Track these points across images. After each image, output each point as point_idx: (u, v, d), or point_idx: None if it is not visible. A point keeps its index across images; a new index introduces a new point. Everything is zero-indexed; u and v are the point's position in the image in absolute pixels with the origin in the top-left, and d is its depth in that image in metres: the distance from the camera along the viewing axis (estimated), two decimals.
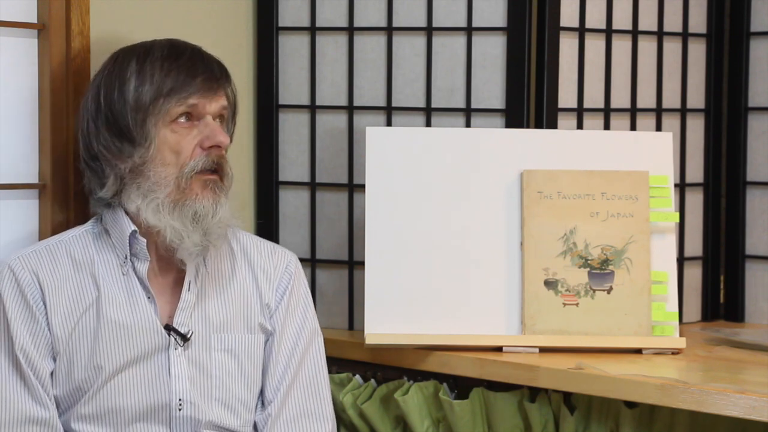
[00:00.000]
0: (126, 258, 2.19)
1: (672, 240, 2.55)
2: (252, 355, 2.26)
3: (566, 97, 2.68)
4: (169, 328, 2.19)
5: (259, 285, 2.29)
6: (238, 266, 2.28)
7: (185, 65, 2.17)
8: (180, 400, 2.17)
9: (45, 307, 2.17)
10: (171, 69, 2.16)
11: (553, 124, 2.64)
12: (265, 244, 2.34)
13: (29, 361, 2.15)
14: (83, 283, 2.19)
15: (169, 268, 2.21)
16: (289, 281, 2.31)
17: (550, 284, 2.49)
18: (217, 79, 2.19)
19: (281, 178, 2.78)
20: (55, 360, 2.17)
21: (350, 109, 2.72)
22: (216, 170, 2.17)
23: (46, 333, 2.16)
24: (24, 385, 2.14)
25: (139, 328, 2.17)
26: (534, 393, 2.43)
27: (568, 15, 2.67)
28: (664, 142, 2.58)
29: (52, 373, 2.16)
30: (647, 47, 2.80)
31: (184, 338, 2.19)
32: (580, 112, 2.70)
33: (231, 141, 2.24)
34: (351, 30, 2.72)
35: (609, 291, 2.49)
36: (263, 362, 2.28)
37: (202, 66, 2.18)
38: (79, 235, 2.25)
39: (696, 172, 2.89)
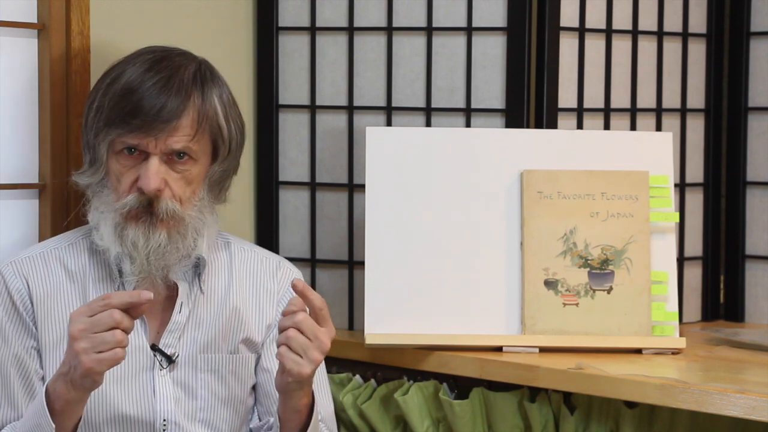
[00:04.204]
0: (117, 276, 2.17)
1: (672, 240, 2.55)
2: (240, 375, 2.23)
3: (566, 97, 2.68)
4: (155, 348, 2.17)
5: (261, 304, 2.27)
6: (236, 284, 2.26)
7: (136, 100, 2.10)
8: (164, 420, 2.16)
9: (34, 313, 2.15)
10: (120, 102, 2.11)
11: (553, 124, 2.64)
12: (271, 261, 2.31)
13: (22, 365, 2.14)
14: (75, 295, 2.18)
15: (160, 286, 2.18)
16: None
17: (550, 284, 2.49)
18: (169, 120, 2.10)
19: (281, 178, 2.78)
20: (42, 366, 2.16)
21: (350, 109, 2.72)
22: (151, 209, 2.13)
23: (36, 338, 2.16)
24: (5, 396, 2.14)
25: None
26: (534, 393, 2.43)
27: (568, 15, 2.67)
28: (664, 142, 2.58)
29: (42, 378, 2.16)
30: (647, 47, 2.80)
31: (170, 360, 2.17)
32: (580, 112, 2.70)
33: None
34: (351, 30, 2.72)
35: (609, 291, 2.49)
36: (263, 382, 2.26)
37: (155, 103, 2.10)
38: (73, 244, 2.22)
39: (696, 172, 2.89)
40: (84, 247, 2.21)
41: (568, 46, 2.67)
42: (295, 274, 2.33)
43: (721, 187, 2.91)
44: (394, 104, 2.70)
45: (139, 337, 2.16)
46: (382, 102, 2.71)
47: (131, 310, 1.91)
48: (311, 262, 2.76)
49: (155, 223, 2.13)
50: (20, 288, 2.16)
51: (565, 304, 2.48)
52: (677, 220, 2.55)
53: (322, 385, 2.26)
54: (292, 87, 2.77)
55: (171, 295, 2.20)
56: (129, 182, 2.13)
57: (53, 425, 1.96)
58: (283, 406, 2.09)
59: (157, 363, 2.16)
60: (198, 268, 2.21)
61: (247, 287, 2.26)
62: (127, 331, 1.91)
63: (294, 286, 1.99)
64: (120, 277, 2.17)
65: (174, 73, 2.14)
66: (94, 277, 2.19)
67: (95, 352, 1.90)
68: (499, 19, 2.64)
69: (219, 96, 2.18)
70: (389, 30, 2.70)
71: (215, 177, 2.20)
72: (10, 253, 2.33)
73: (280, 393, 2.07)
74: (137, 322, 2.16)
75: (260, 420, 2.26)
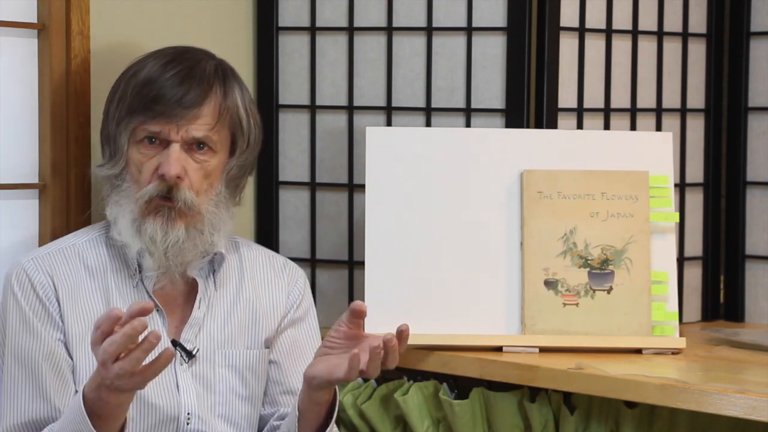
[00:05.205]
0: (136, 271, 2.19)
1: (672, 240, 2.54)
2: (256, 370, 2.25)
3: (566, 97, 2.68)
4: (175, 343, 2.19)
5: (273, 299, 2.30)
6: (248, 281, 2.29)
7: (158, 88, 2.14)
8: (188, 414, 2.17)
9: (60, 307, 2.16)
10: (143, 90, 2.15)
11: (553, 124, 2.64)
12: (278, 258, 2.36)
13: (53, 357, 2.14)
14: (97, 291, 2.19)
15: (179, 282, 2.21)
16: (299, 294, 2.33)
17: (550, 284, 2.49)
18: (191, 106, 2.14)
19: (281, 178, 2.78)
20: (72, 358, 2.17)
21: (350, 109, 2.72)
22: (170, 197, 2.15)
23: (63, 331, 2.16)
24: (37, 391, 2.13)
25: None
26: (534, 393, 2.43)
27: (568, 15, 2.67)
28: (664, 142, 2.58)
29: (73, 369, 2.16)
30: (647, 47, 2.80)
31: (190, 355, 2.19)
32: (580, 112, 2.70)
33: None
34: (351, 30, 2.72)
35: (609, 291, 2.49)
36: (271, 372, 2.28)
37: (177, 91, 2.14)
38: (91, 240, 2.24)
39: (696, 172, 2.89)
40: (102, 243, 2.23)
41: (568, 46, 2.67)
42: (301, 273, 2.37)
43: (721, 187, 2.91)
44: (394, 104, 2.70)
45: (159, 333, 2.17)
46: (382, 102, 2.71)
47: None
48: (311, 262, 2.76)
49: (174, 217, 2.15)
50: (44, 282, 2.17)
51: (565, 304, 2.48)
52: (677, 220, 2.55)
53: None
54: (292, 87, 2.77)
55: (188, 290, 2.22)
56: (150, 171, 2.16)
57: (94, 431, 1.95)
58: (306, 397, 2.10)
59: (179, 357, 2.17)
60: (213, 264, 2.23)
61: (259, 283, 2.30)
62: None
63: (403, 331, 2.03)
64: (139, 273, 2.18)
65: (195, 64, 2.19)
66: (114, 272, 2.20)
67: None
68: (499, 19, 2.64)
69: (240, 92, 2.23)
70: (389, 30, 2.70)
71: (233, 172, 2.23)
72: (11, 254, 2.33)
73: (309, 384, 2.08)
74: (158, 318, 2.18)
75: (265, 410, 2.28)
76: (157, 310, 2.19)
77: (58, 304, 2.16)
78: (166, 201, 2.15)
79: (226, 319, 2.24)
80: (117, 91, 2.20)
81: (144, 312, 1.85)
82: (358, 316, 2.02)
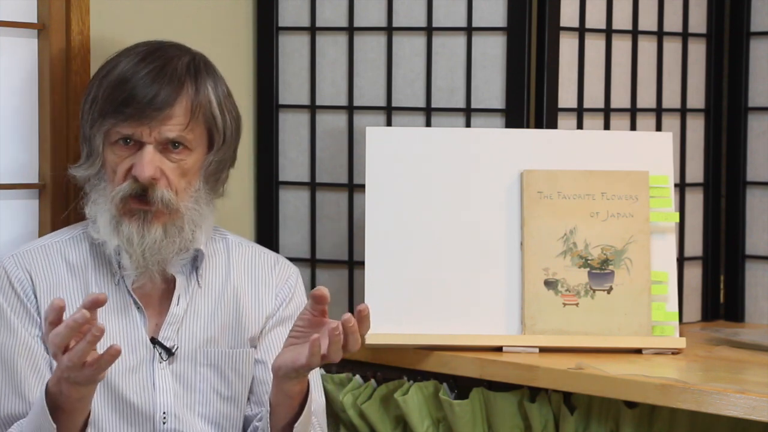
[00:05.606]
0: (117, 269, 2.19)
1: (672, 240, 2.55)
2: (239, 370, 2.24)
3: (566, 97, 2.68)
4: (154, 341, 2.18)
5: (260, 297, 2.28)
6: (234, 278, 2.27)
7: (130, 89, 2.12)
8: (164, 413, 2.16)
9: (37, 304, 2.16)
10: (114, 92, 2.13)
11: (553, 124, 2.64)
12: (269, 255, 2.33)
13: (31, 353, 2.14)
14: (77, 288, 2.18)
15: (159, 280, 2.20)
16: (289, 292, 2.30)
17: (550, 284, 2.49)
18: (162, 108, 2.12)
19: (281, 178, 2.78)
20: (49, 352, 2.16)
21: (350, 109, 2.73)
22: (144, 198, 2.14)
23: (41, 327, 2.16)
24: (12, 387, 2.13)
25: (125, 338, 2.16)
26: (534, 393, 2.43)
27: (568, 15, 2.67)
28: (664, 142, 2.58)
29: (50, 366, 2.15)
30: (647, 47, 2.80)
31: (169, 352, 2.18)
32: (580, 112, 2.70)
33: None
34: (351, 30, 2.72)
35: (609, 291, 2.49)
36: (257, 372, 2.27)
37: (148, 92, 2.12)
38: (74, 237, 2.23)
39: (696, 172, 2.89)
40: (85, 241, 2.22)
41: (568, 46, 2.67)
42: (293, 270, 2.34)
43: (721, 187, 2.91)
44: (394, 104, 2.70)
45: (138, 330, 2.17)
46: (382, 102, 2.71)
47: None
48: (311, 262, 2.76)
49: (150, 219, 2.14)
50: (22, 279, 2.17)
51: (565, 304, 2.48)
52: (677, 220, 2.55)
53: (314, 378, 2.27)
54: (292, 87, 2.77)
55: (169, 288, 2.21)
56: (123, 172, 2.15)
57: (54, 425, 1.96)
58: (276, 389, 2.08)
59: (157, 355, 2.17)
60: (196, 261, 2.22)
61: (246, 281, 2.27)
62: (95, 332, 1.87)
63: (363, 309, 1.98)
64: (120, 270, 2.18)
65: (167, 62, 2.16)
66: (95, 270, 2.20)
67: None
68: (499, 19, 2.64)
69: (213, 86, 2.20)
70: (389, 30, 2.70)
71: (211, 168, 2.21)
72: (10, 251, 2.33)
73: (276, 375, 2.06)
74: (138, 316, 2.17)
75: (251, 410, 2.27)
76: (137, 308, 2.18)
77: (36, 299, 2.16)
78: (141, 204, 2.14)
79: (209, 317, 2.23)
80: (90, 92, 2.18)
81: (97, 303, 1.84)
82: (320, 301, 1.99)
